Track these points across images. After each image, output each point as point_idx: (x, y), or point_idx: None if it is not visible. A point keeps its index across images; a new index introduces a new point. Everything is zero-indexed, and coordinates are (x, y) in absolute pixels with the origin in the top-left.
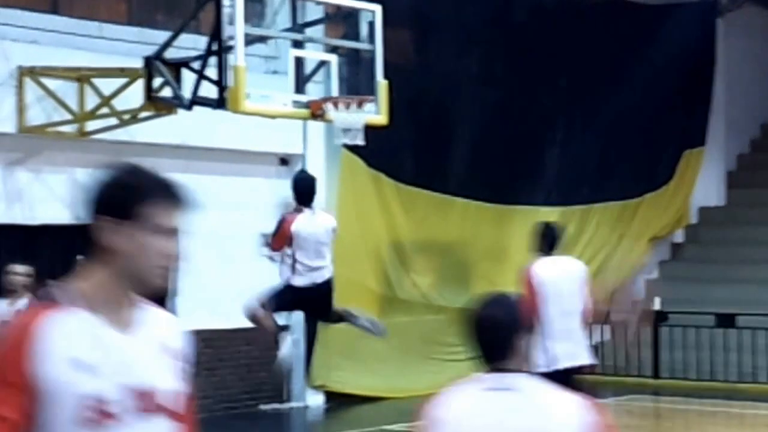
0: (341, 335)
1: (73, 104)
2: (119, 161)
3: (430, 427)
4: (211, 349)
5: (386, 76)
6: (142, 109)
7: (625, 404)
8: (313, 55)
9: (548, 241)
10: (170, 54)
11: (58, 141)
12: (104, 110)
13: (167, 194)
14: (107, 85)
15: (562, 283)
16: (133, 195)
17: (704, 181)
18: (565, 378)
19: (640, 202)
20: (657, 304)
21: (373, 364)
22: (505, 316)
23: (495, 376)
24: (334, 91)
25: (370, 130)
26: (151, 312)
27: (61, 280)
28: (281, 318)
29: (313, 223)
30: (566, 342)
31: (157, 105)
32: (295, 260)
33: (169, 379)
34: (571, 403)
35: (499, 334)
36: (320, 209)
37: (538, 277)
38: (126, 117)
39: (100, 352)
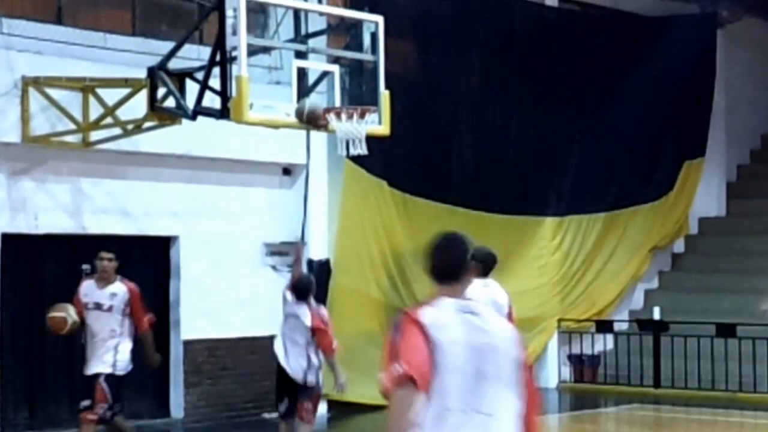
0: (343, 344)
1: (77, 114)
2: None
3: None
4: (214, 358)
5: (388, 86)
6: (145, 119)
7: (627, 413)
8: (315, 65)
9: None
10: (174, 64)
11: (62, 151)
12: (108, 120)
13: None
14: (111, 95)
15: None
16: None
17: (704, 192)
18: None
19: (640, 212)
20: (657, 314)
21: (375, 373)
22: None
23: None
24: (337, 102)
25: (372, 140)
26: None
27: None
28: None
29: None
30: None
31: (160, 115)
32: None
33: None
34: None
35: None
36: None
37: None
38: (130, 127)
39: None
